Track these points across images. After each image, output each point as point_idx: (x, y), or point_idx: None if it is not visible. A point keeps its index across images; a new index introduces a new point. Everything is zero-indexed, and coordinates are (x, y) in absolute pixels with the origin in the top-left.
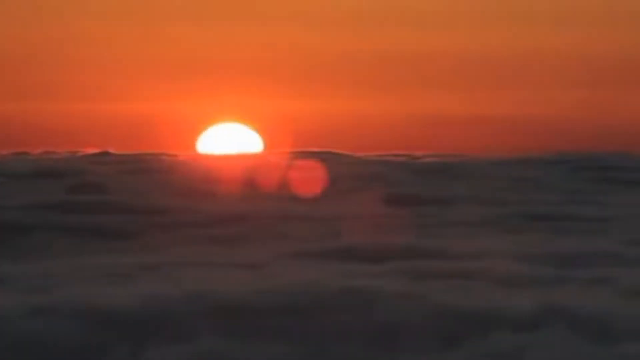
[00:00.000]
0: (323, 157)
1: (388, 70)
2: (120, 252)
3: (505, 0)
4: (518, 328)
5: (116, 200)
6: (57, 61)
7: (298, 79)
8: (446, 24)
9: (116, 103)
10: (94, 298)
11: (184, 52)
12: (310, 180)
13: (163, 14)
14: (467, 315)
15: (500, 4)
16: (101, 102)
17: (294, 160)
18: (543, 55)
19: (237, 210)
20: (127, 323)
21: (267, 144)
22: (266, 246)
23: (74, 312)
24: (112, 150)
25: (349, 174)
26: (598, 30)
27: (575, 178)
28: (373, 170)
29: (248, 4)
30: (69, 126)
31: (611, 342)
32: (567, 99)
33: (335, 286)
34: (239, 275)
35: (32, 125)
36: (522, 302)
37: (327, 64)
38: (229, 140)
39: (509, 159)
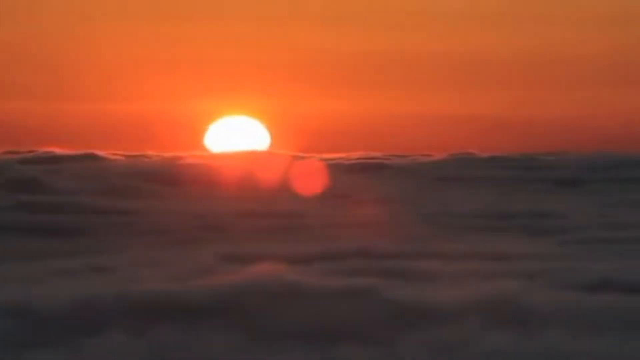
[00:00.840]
0: (287, 157)
1: (389, 70)
2: (57, 252)
3: (505, 1)
4: (459, 321)
5: (49, 200)
6: (57, 61)
7: (301, 79)
8: (447, 24)
9: (118, 103)
10: (24, 298)
11: (185, 52)
12: (265, 180)
13: (164, 14)
14: (407, 309)
15: (499, 4)
16: (102, 103)
17: (264, 162)
18: (543, 55)
19: (174, 211)
20: (60, 322)
21: (275, 140)
22: (211, 246)
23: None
24: (100, 151)
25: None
26: (597, 30)
27: (519, 178)
28: (328, 171)
29: (250, 3)
30: (69, 126)
31: (543, 332)
32: (564, 100)
33: (277, 285)
34: (180, 275)
35: (24, 124)
36: (461, 296)
37: (327, 64)
38: (234, 135)
39: (474, 158)
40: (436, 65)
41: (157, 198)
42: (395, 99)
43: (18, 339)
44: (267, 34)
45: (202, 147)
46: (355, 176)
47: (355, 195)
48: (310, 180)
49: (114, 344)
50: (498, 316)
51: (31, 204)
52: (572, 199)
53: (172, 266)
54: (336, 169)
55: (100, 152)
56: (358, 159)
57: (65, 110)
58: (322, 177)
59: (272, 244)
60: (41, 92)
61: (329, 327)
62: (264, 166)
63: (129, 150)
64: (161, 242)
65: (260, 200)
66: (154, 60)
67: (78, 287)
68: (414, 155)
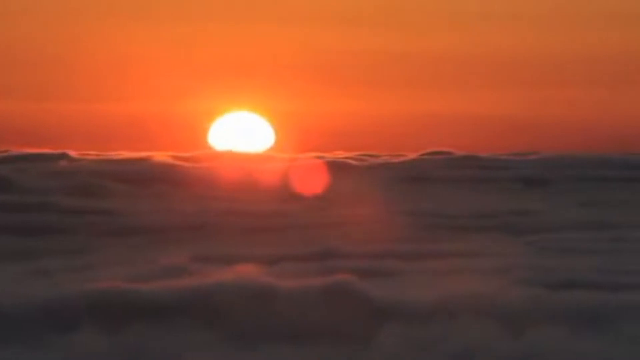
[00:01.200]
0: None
1: (389, 70)
2: (29, 251)
3: (505, 1)
4: (427, 319)
5: (19, 200)
6: (60, 61)
7: (302, 79)
8: (446, 24)
9: (120, 103)
10: None
11: (188, 52)
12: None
13: (164, 13)
14: (381, 308)
15: (499, 4)
16: (104, 102)
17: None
18: (543, 55)
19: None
20: (30, 321)
21: (280, 139)
22: (186, 247)
23: None
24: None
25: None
26: (594, 31)
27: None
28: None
29: (251, 3)
30: (66, 127)
31: (517, 329)
32: (565, 99)
33: (249, 285)
34: (152, 275)
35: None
36: (435, 294)
37: (326, 64)
38: (237, 133)
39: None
40: (440, 65)
41: (132, 198)
42: (398, 98)
43: None
44: (270, 34)
45: (206, 146)
46: (323, 176)
47: (319, 196)
48: (290, 180)
49: (85, 342)
50: (472, 313)
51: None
52: (542, 198)
53: (144, 266)
54: (313, 169)
55: (72, 152)
56: (334, 159)
57: (61, 111)
58: (302, 177)
59: (247, 245)
60: (41, 92)
61: (302, 326)
62: (245, 166)
63: (129, 151)
64: (135, 242)
65: (237, 201)
66: (156, 59)
67: (50, 287)
68: (386, 154)
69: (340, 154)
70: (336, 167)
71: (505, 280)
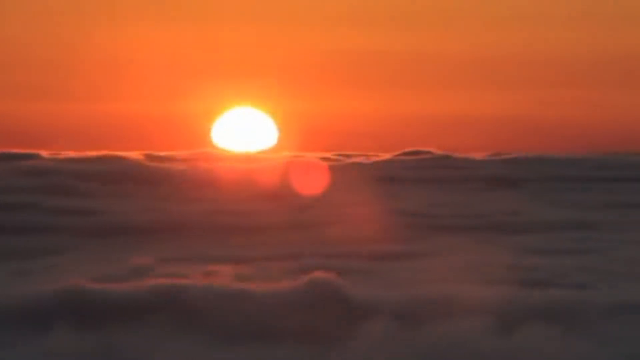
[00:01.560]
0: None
1: (388, 70)
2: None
3: (504, 2)
4: (405, 318)
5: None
6: (64, 62)
7: (302, 79)
8: (446, 24)
9: (123, 103)
10: None
11: (188, 53)
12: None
13: (165, 13)
14: (352, 307)
15: (499, 5)
16: (106, 103)
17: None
18: (543, 55)
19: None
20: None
21: (284, 138)
22: (158, 248)
23: None
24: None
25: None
26: (593, 31)
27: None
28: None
29: (250, 3)
30: (78, 126)
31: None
32: (562, 99)
33: (222, 286)
34: (122, 275)
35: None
36: (405, 293)
37: (324, 64)
38: (241, 130)
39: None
40: (440, 66)
41: (109, 197)
42: (397, 99)
43: None
44: (272, 35)
45: (209, 144)
46: (302, 176)
47: (296, 196)
48: (267, 181)
49: (57, 341)
50: (451, 311)
51: None
52: (518, 198)
53: (119, 266)
54: (292, 169)
55: (54, 151)
56: (311, 158)
57: (63, 112)
58: (280, 177)
59: (223, 245)
60: (41, 92)
61: (278, 325)
62: (224, 166)
63: (124, 150)
64: (111, 242)
65: (213, 201)
66: (159, 59)
67: (23, 286)
68: (361, 154)
69: (318, 154)
70: (313, 167)
71: (482, 279)
